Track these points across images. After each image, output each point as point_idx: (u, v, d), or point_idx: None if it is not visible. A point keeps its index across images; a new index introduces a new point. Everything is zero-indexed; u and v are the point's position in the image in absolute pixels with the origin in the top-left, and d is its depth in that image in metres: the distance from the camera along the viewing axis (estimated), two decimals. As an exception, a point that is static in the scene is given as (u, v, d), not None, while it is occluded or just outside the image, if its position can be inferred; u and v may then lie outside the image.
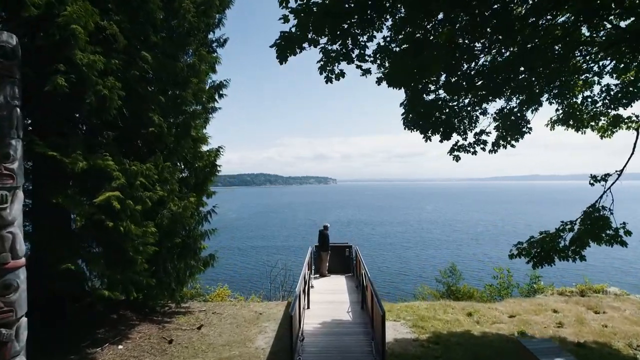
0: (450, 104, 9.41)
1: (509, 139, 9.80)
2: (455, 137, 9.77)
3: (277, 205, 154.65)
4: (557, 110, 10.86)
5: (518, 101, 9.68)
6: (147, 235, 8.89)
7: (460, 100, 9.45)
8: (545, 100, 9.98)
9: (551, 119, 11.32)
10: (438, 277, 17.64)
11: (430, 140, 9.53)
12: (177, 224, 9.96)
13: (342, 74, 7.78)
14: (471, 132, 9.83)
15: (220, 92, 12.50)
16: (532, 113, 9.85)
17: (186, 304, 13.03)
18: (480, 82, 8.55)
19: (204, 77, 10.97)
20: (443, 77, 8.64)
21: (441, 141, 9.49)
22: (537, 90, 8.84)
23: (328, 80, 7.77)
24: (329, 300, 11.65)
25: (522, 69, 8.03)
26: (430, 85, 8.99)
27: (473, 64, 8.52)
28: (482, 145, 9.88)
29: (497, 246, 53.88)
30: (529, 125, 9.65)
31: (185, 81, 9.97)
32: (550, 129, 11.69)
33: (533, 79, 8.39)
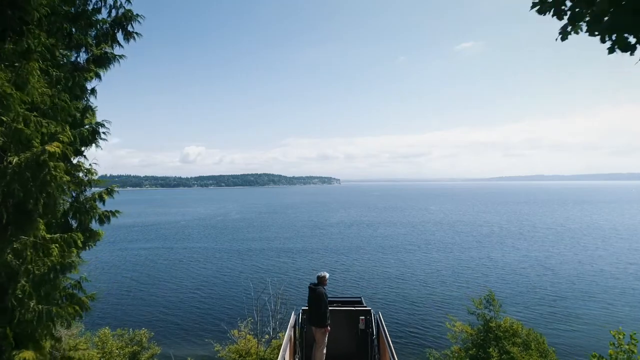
0: None
1: None
2: None
3: (280, 205, 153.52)
4: None
5: None
6: None
7: None
8: None
9: None
10: (471, 308, 14.84)
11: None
12: None
13: None
14: None
15: (127, 27, 7.79)
16: None
17: None
18: None
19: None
20: None
21: None
22: None
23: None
24: None
25: None
26: None
27: None
28: None
29: (502, 249, 52.70)
30: None
31: None
32: None
33: None
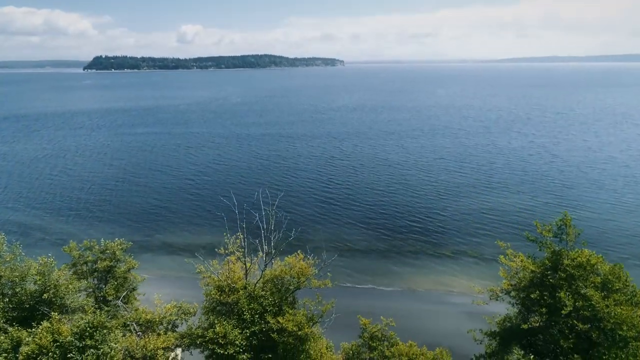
0: None
1: None
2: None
3: (281, 89, 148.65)
4: None
5: None
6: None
7: None
8: None
9: None
10: (532, 233, 11.30)
11: None
12: None
13: None
14: None
15: None
16: None
17: None
18: None
19: None
20: None
21: None
22: None
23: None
24: None
25: None
26: None
27: None
28: None
29: (509, 135, 51.08)
30: None
31: None
32: None
33: None
